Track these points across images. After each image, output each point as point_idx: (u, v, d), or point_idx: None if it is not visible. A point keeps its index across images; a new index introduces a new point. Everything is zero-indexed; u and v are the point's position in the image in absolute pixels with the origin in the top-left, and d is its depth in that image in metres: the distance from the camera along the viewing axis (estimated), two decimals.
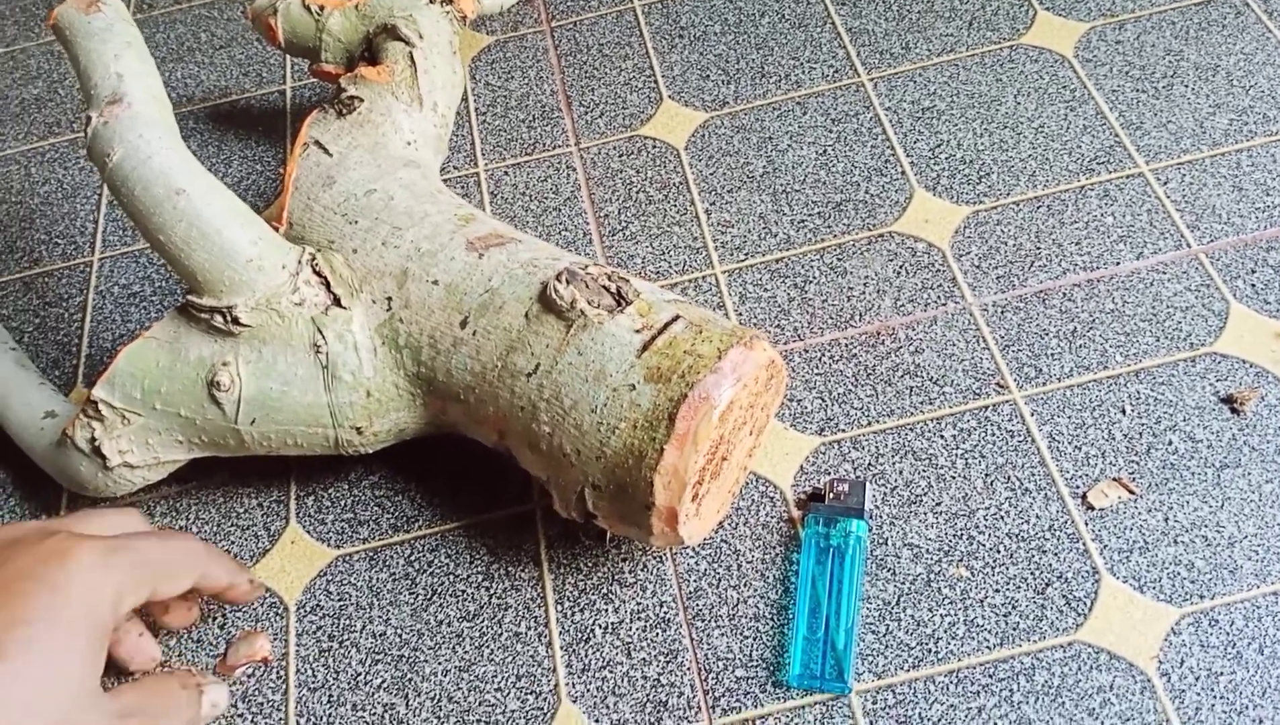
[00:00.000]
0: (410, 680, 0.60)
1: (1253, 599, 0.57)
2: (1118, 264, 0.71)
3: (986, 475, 0.63)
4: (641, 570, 0.62)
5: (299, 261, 0.59)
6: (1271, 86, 0.78)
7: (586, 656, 0.60)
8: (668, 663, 0.59)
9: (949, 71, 0.82)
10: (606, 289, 0.56)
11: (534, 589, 0.62)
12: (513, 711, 0.58)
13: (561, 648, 0.60)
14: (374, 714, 0.59)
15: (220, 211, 0.57)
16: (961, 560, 0.60)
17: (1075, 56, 0.82)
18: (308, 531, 0.66)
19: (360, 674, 0.60)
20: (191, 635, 0.62)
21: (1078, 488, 0.62)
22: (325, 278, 0.59)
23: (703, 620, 0.60)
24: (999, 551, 0.60)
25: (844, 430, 0.66)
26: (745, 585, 0.61)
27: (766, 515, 0.63)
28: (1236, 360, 0.66)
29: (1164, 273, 0.70)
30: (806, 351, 0.69)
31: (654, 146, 0.81)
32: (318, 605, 0.63)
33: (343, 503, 0.66)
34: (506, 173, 0.81)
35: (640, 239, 0.76)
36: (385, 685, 0.60)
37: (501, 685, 0.59)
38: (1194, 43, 0.81)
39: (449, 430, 0.62)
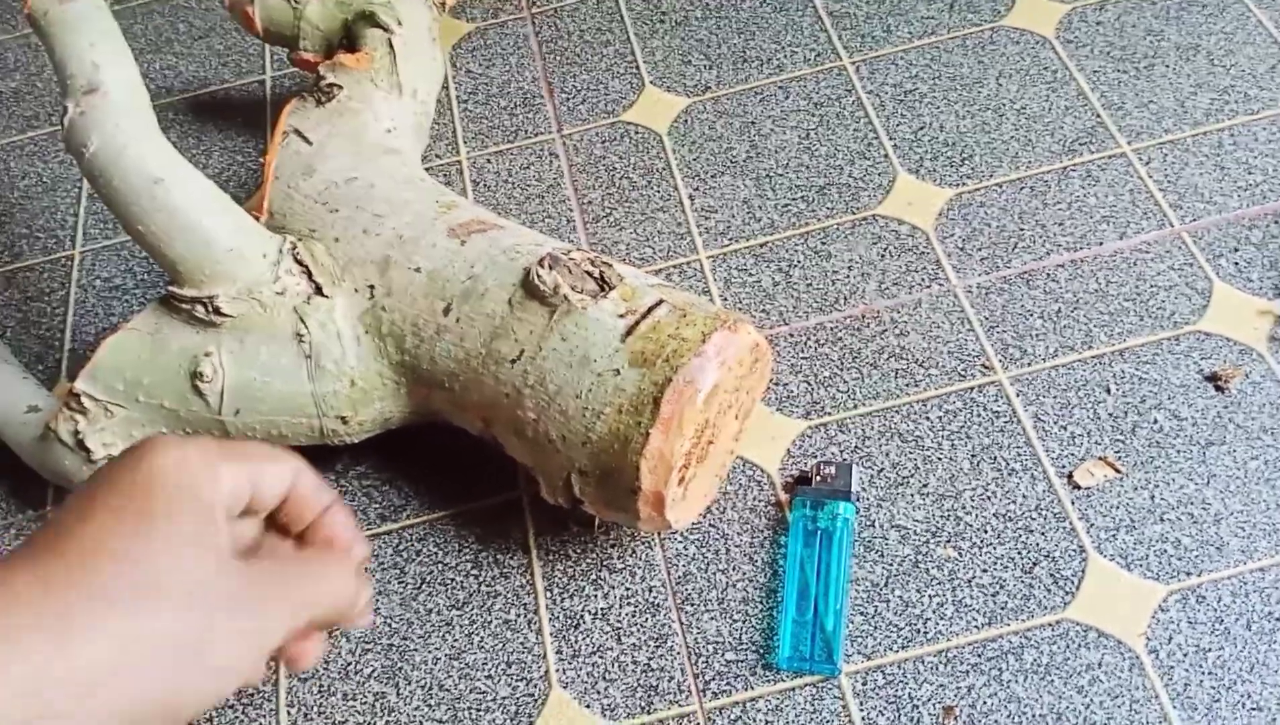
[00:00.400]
0: (401, 669, 0.60)
1: (1239, 575, 0.58)
2: (1101, 244, 0.71)
3: (973, 456, 0.63)
4: (630, 556, 0.62)
5: (280, 250, 0.59)
6: (1252, 65, 0.78)
7: (576, 642, 0.59)
8: (657, 647, 0.59)
9: (931, 54, 0.82)
10: (590, 274, 0.55)
11: (523, 576, 0.62)
12: (503, 698, 0.58)
13: (551, 634, 0.60)
14: (365, 703, 0.59)
15: (199, 200, 0.57)
16: (949, 541, 0.60)
17: (1057, 38, 0.82)
18: None
19: (350, 663, 0.60)
20: None
21: (1064, 467, 0.62)
22: (307, 266, 0.59)
23: (692, 604, 0.60)
24: (986, 531, 0.60)
25: (830, 413, 0.66)
26: (734, 569, 0.61)
27: (754, 499, 0.63)
28: (1220, 338, 0.66)
29: (1147, 252, 0.70)
30: (792, 336, 0.69)
31: (636, 132, 0.81)
32: None
33: None
34: (489, 160, 0.81)
35: (624, 225, 0.76)
36: (376, 674, 0.60)
37: (492, 672, 0.59)
38: (1175, 23, 0.82)
39: (434, 418, 0.61)
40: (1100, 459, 0.62)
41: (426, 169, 0.80)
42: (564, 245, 0.58)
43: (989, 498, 0.61)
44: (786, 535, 0.61)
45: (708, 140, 0.79)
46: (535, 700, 0.58)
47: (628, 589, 0.61)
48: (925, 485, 0.62)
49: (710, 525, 0.62)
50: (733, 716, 0.56)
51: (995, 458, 0.63)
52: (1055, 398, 0.65)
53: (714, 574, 0.61)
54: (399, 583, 0.62)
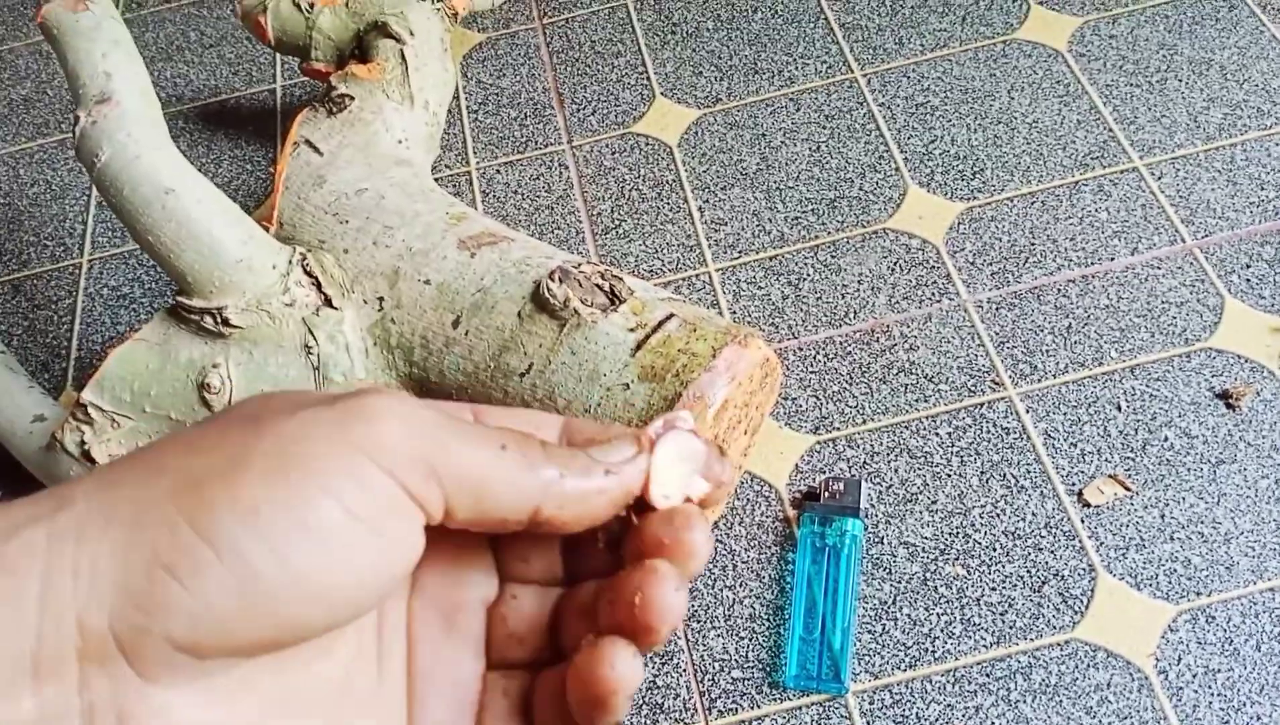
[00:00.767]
0: None
1: (1249, 595, 0.57)
2: (1112, 260, 0.70)
3: (982, 473, 0.63)
4: None
5: (289, 261, 0.59)
6: (1265, 81, 0.78)
7: None
8: (664, 664, 0.58)
9: (942, 67, 0.82)
10: (600, 287, 0.55)
11: None
12: None
13: None
14: None
15: (209, 211, 0.57)
16: (958, 559, 0.60)
17: (1069, 51, 0.82)
18: None
19: None
20: None
21: (1074, 485, 0.62)
22: (316, 278, 0.59)
23: (698, 621, 0.60)
24: (995, 549, 0.60)
25: (839, 429, 0.65)
26: (740, 585, 0.60)
27: (762, 515, 0.63)
28: (1232, 355, 0.65)
29: (1158, 268, 0.70)
30: (801, 350, 0.69)
31: (647, 144, 0.81)
32: None
33: None
34: (499, 171, 0.81)
35: (633, 237, 0.75)
36: None
37: None
38: (1187, 37, 0.81)
39: None
40: (1110, 477, 0.62)
41: (436, 179, 0.80)
42: (574, 258, 0.58)
43: (998, 515, 0.61)
44: (794, 552, 0.61)
45: (718, 152, 0.79)
46: None
47: None
48: (934, 502, 0.62)
49: (717, 541, 0.62)
50: None
51: (1005, 475, 0.62)
52: (1065, 414, 0.64)
53: (721, 590, 0.60)
54: None
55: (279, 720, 0.26)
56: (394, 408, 0.26)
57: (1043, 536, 0.60)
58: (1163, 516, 0.60)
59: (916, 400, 0.66)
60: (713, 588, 0.60)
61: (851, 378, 0.67)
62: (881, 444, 0.64)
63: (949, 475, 0.63)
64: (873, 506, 0.62)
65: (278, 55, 0.92)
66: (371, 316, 0.59)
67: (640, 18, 0.89)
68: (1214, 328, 0.67)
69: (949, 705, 0.56)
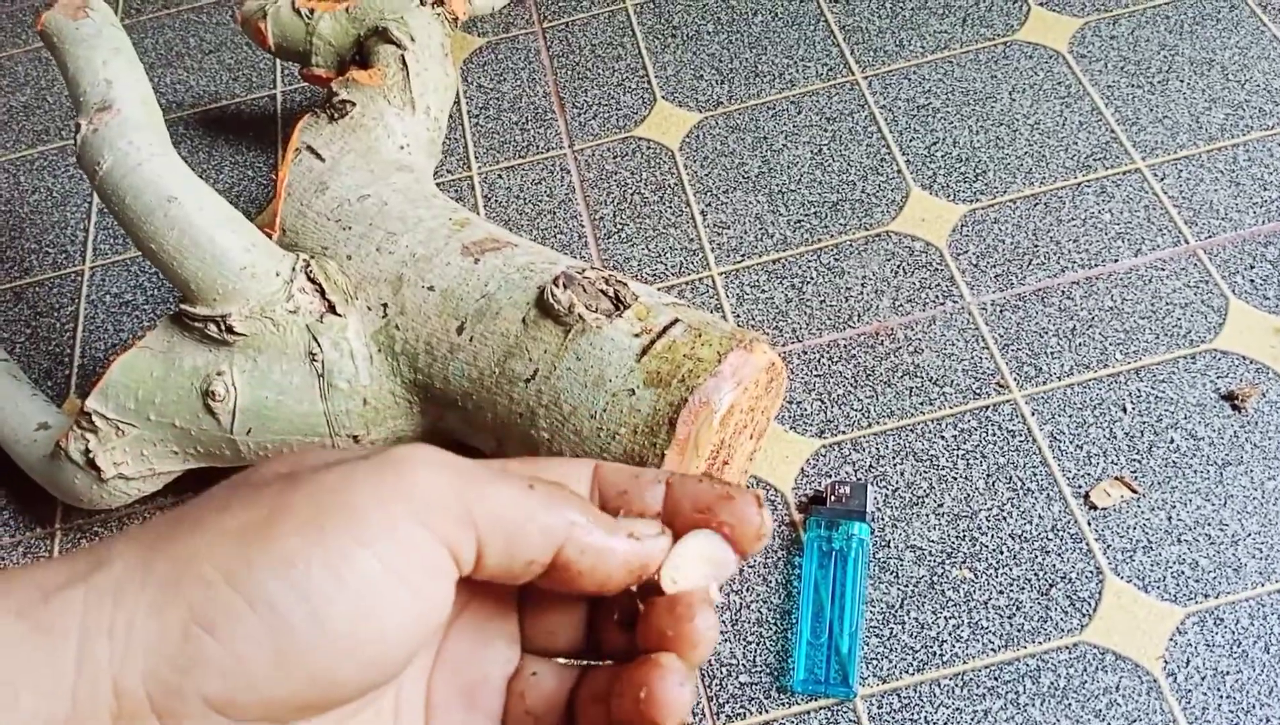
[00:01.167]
0: None
1: (1257, 597, 0.57)
2: (1116, 261, 0.70)
3: (988, 476, 0.63)
4: None
5: (293, 268, 0.59)
6: (1267, 81, 0.78)
7: None
8: None
9: (944, 69, 0.82)
10: (604, 293, 0.55)
11: None
12: None
13: None
14: None
15: (212, 218, 0.57)
16: (965, 562, 0.60)
17: (1070, 52, 0.82)
18: None
19: None
20: None
21: (1080, 487, 0.62)
22: (320, 285, 0.59)
23: None
24: (1002, 552, 0.60)
25: (844, 432, 0.65)
26: (747, 590, 0.60)
27: None
28: (1237, 357, 0.65)
29: (1162, 269, 0.70)
30: (805, 353, 0.69)
31: (648, 148, 0.81)
32: None
33: None
34: (500, 176, 0.81)
35: (636, 241, 0.75)
36: None
37: None
38: (1189, 37, 0.81)
39: (447, 437, 0.61)
40: (1117, 479, 0.62)
41: (438, 184, 0.80)
42: (579, 263, 0.58)
43: (1005, 518, 0.61)
44: (801, 556, 0.61)
45: (720, 156, 0.79)
46: None
47: None
48: (940, 505, 0.62)
49: None
50: None
51: (1011, 477, 0.62)
52: (1071, 417, 0.64)
53: (727, 595, 0.60)
54: None
55: None
56: (428, 457, 0.26)
57: (1049, 539, 0.60)
58: (1170, 519, 0.60)
59: (921, 403, 0.66)
60: (719, 592, 0.60)
61: (856, 381, 0.67)
62: (887, 447, 0.64)
63: (955, 478, 0.63)
64: (879, 510, 0.62)
65: (277, 61, 0.92)
66: (375, 323, 0.59)
67: (640, 21, 0.89)
68: (1219, 329, 0.67)
69: (957, 709, 0.55)
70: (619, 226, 0.76)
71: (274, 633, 0.24)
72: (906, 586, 0.59)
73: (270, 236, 0.62)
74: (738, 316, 0.71)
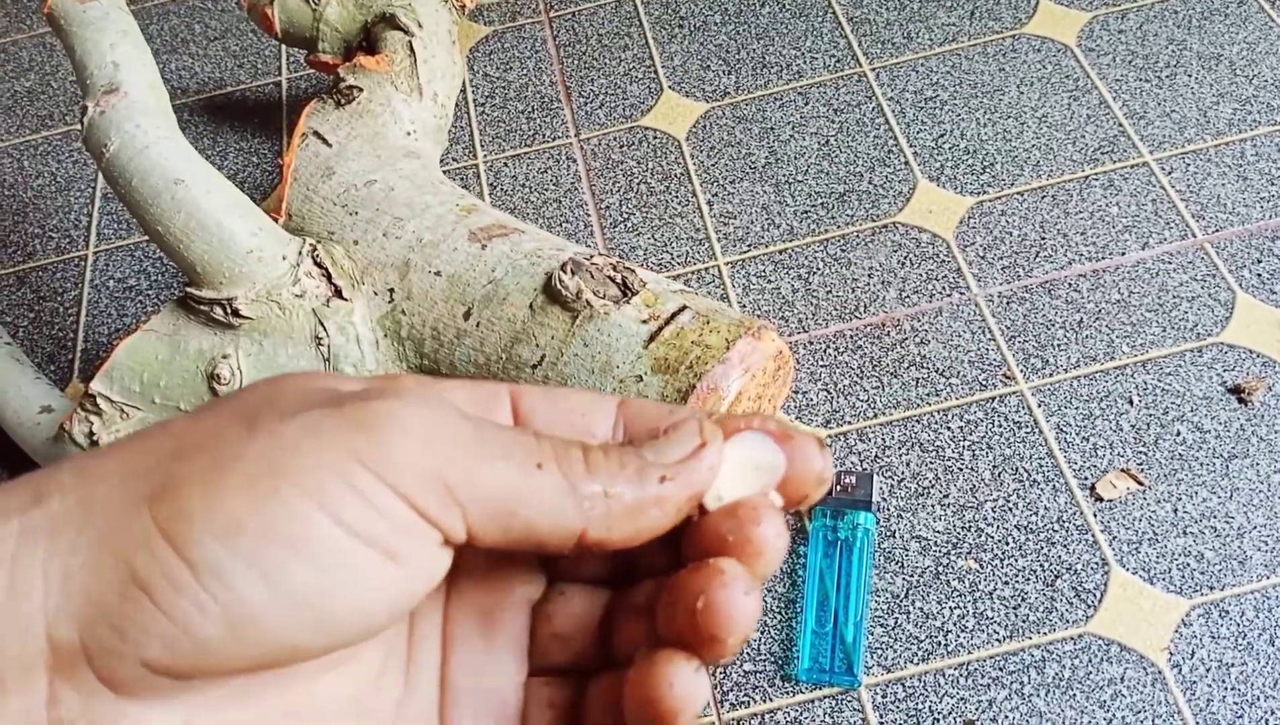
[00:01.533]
0: None
1: (1263, 589, 0.57)
2: (1123, 254, 0.70)
3: (994, 467, 0.62)
4: None
5: (300, 252, 0.59)
6: (1275, 75, 0.78)
7: None
8: None
9: (951, 61, 0.82)
10: (612, 279, 0.55)
11: None
12: None
13: None
14: None
15: (219, 202, 0.57)
16: (970, 552, 0.60)
17: (1078, 46, 0.82)
18: None
19: None
20: None
21: (1086, 479, 0.62)
22: (326, 269, 0.59)
23: None
24: (1008, 543, 0.60)
25: (850, 422, 0.65)
26: None
27: None
28: (1243, 350, 0.65)
29: (1170, 263, 0.69)
30: (811, 343, 0.68)
31: (655, 137, 0.81)
32: None
33: None
34: (506, 164, 0.80)
35: (642, 231, 0.75)
36: None
37: None
38: (1197, 32, 0.81)
39: None
40: (1123, 471, 0.62)
41: (444, 172, 0.80)
42: (586, 250, 0.58)
43: (1010, 509, 0.61)
44: (806, 545, 0.60)
45: (726, 146, 0.79)
46: None
47: None
48: (946, 496, 0.62)
49: None
50: None
51: (1017, 469, 0.62)
52: (1077, 409, 0.64)
53: None
54: None
55: None
56: (406, 418, 0.23)
57: (1055, 530, 0.60)
58: (1175, 511, 0.60)
59: (928, 394, 0.66)
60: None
61: (862, 372, 0.67)
62: (893, 438, 0.64)
63: (961, 469, 0.63)
64: (885, 500, 0.62)
65: (283, 48, 0.91)
66: (382, 308, 0.58)
67: (647, 11, 0.89)
68: (1225, 322, 0.67)
69: (962, 699, 0.55)
70: (625, 216, 0.76)
71: (223, 604, 0.21)
72: (912, 576, 0.59)
73: (276, 221, 0.62)
74: (744, 307, 0.71)
